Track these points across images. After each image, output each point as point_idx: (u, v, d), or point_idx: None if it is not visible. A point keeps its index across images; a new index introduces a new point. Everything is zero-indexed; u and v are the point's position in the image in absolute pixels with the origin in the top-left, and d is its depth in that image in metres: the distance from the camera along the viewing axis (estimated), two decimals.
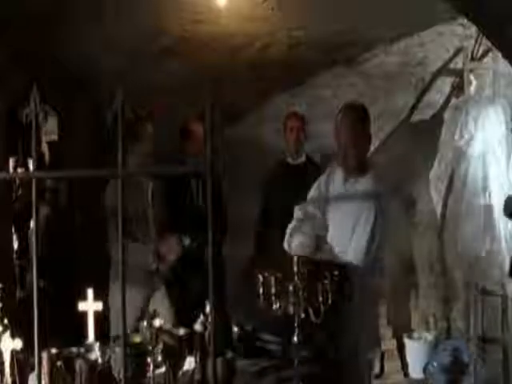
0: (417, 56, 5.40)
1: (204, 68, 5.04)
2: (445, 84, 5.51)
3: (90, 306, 2.62)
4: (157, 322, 2.42)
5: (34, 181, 1.61)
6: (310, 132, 5.19)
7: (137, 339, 2.34)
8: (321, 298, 2.32)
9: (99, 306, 2.60)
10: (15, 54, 4.48)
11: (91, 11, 4.46)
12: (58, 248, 4.89)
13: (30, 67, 4.56)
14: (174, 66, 5.12)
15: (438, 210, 5.56)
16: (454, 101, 5.50)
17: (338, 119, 3.48)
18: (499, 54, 5.06)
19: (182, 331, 2.48)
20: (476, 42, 5.29)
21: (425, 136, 5.56)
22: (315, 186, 3.57)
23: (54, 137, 5.29)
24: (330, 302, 2.34)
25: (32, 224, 4.96)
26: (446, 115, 5.52)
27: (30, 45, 4.48)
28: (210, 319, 2.27)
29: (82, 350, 2.44)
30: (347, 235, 3.29)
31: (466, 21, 5.12)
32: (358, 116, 3.56)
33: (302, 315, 2.36)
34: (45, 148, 5.32)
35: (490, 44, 5.17)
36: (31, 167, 4.74)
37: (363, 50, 5.39)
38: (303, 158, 5.11)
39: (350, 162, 3.40)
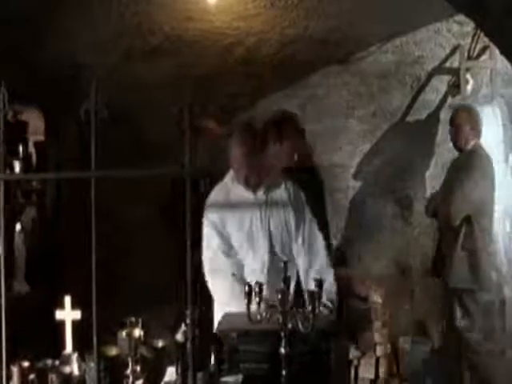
0: (412, 54, 5.34)
1: (194, 66, 4.97)
2: (441, 83, 5.43)
3: (67, 314, 2.50)
4: (136, 333, 2.30)
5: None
6: None
7: (112, 352, 2.22)
8: (310, 307, 2.21)
9: (77, 314, 2.48)
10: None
11: (80, 10, 4.38)
12: (44, 252, 4.78)
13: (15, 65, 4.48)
14: (164, 65, 5.02)
15: None
16: (450, 100, 5.41)
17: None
18: (497, 52, 4.99)
19: (160, 343, 2.37)
20: (473, 39, 5.23)
21: (421, 136, 5.48)
22: None
23: (41, 137, 5.19)
24: (318, 310, 2.23)
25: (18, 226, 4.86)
26: (443, 115, 5.43)
27: (17, 43, 4.39)
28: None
29: (57, 362, 2.32)
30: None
31: (462, 18, 5.07)
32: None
33: (290, 325, 2.25)
34: (31, 148, 5.20)
35: (487, 42, 5.11)
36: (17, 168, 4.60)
37: (357, 48, 5.31)
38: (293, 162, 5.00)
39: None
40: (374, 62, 5.34)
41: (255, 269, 3.27)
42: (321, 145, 5.52)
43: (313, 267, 3.31)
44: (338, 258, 5.13)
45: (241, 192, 3.37)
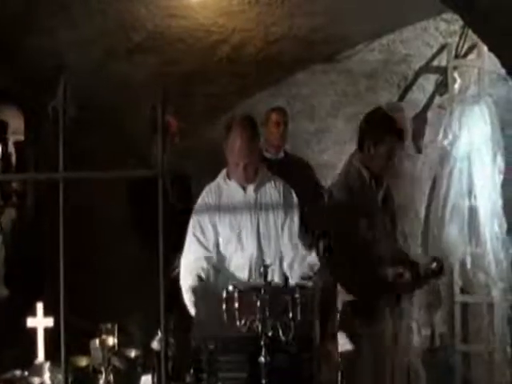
0: (399, 53, 5.27)
1: (177, 64, 4.89)
2: (428, 82, 5.37)
3: (39, 322, 2.40)
4: (110, 341, 2.21)
5: None
6: (289, 131, 5.01)
7: (82, 362, 2.12)
8: (291, 314, 2.12)
9: (50, 322, 2.38)
10: None
11: (61, 8, 4.30)
12: (24, 254, 4.67)
13: None
14: (147, 62, 4.93)
15: (422, 211, 5.40)
16: (437, 99, 5.35)
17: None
18: (484, 51, 4.94)
19: (133, 352, 2.27)
20: (460, 38, 5.17)
21: (408, 136, 5.35)
22: None
23: (20, 137, 5.09)
24: (299, 317, 2.14)
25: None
26: (430, 114, 5.37)
27: None
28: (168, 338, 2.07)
29: (27, 372, 2.22)
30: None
31: (450, 17, 5.02)
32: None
33: (270, 333, 2.16)
34: (11, 148, 5.10)
35: (474, 40, 5.06)
36: None
37: (344, 47, 5.23)
38: (282, 154, 4.94)
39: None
40: (361, 61, 5.28)
41: (241, 265, 3.29)
42: (307, 144, 5.45)
43: (298, 264, 3.31)
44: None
45: (232, 191, 3.40)
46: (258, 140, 3.48)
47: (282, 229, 3.38)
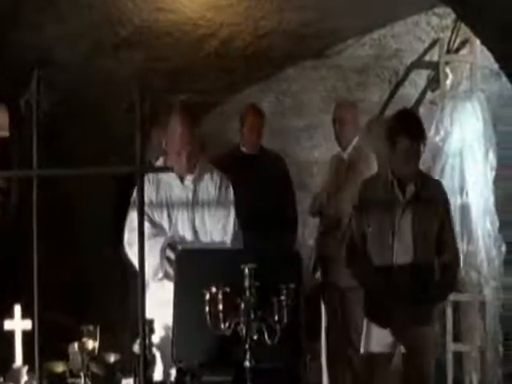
0: (390, 48, 5.23)
1: (165, 59, 4.82)
2: (420, 77, 5.32)
3: (17, 324, 2.31)
4: (90, 345, 2.13)
5: None
6: (278, 128, 4.96)
7: (58, 368, 2.04)
8: (276, 317, 2.04)
9: (28, 324, 2.29)
10: None
11: (46, 2, 4.22)
12: (4, 254, 4.57)
13: None
14: (134, 57, 4.85)
15: None
16: (429, 95, 5.31)
17: None
18: (476, 46, 4.88)
19: (113, 357, 2.19)
20: (452, 33, 5.12)
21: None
22: None
23: (5, 133, 4.98)
24: (286, 320, 2.07)
25: None
26: (421, 110, 5.29)
27: None
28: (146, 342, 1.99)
29: (3, 378, 2.13)
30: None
31: (442, 11, 4.96)
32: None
33: (255, 336, 2.08)
34: None
35: (467, 35, 5.01)
36: None
37: (334, 42, 5.17)
38: (257, 149, 4.92)
39: None
40: (351, 56, 5.22)
41: None
42: (297, 141, 5.38)
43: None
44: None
45: (170, 181, 3.30)
46: (197, 127, 3.38)
47: (218, 223, 3.30)
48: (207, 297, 2.13)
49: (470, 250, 4.90)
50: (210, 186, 3.35)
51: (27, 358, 2.35)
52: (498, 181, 4.91)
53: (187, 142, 3.21)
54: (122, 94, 4.77)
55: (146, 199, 3.19)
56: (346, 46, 5.18)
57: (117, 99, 4.85)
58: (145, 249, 3.02)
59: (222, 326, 2.13)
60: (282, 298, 2.09)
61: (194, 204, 3.28)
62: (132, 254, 3.17)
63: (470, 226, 4.90)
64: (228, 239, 3.27)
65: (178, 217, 3.27)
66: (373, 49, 5.17)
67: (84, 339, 2.20)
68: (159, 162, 3.39)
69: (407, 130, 3.43)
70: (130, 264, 3.13)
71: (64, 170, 1.68)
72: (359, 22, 4.89)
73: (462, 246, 4.91)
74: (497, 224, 4.90)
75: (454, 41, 5.12)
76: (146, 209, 3.18)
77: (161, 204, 3.29)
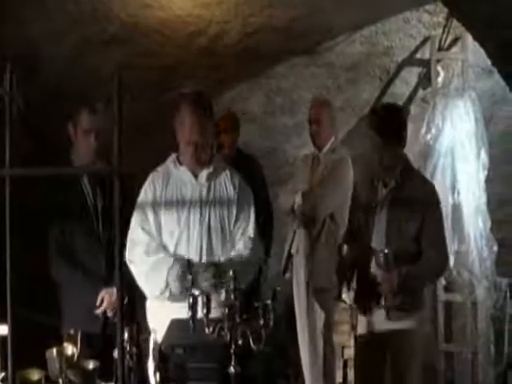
0: (381, 45, 5.14)
1: (153, 56, 4.74)
2: (411, 75, 5.26)
3: None
4: (69, 350, 2.05)
5: None
6: (268, 125, 4.90)
7: (34, 376, 1.96)
8: (262, 321, 1.98)
9: (4, 329, 2.20)
10: None
11: None
12: None
13: None
14: (121, 54, 4.78)
15: None
16: (420, 93, 5.27)
17: None
18: (468, 44, 4.84)
19: (91, 364, 2.12)
20: (444, 30, 5.07)
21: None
22: None
23: None
24: (271, 324, 2.00)
25: None
26: (413, 108, 5.29)
27: None
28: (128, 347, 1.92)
29: None
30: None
31: (433, 8, 4.90)
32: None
33: (240, 341, 2.02)
34: None
35: (458, 33, 4.96)
36: None
37: (324, 39, 5.07)
38: (234, 151, 4.94)
39: None
40: (342, 53, 5.14)
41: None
42: (287, 139, 5.32)
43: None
44: None
45: (182, 176, 3.13)
46: (211, 120, 3.16)
47: (235, 226, 3.13)
48: (190, 299, 2.06)
49: (462, 250, 4.86)
50: (228, 184, 3.17)
51: (3, 365, 2.28)
52: (489, 180, 4.88)
53: (198, 132, 3.04)
54: (109, 90, 4.71)
55: (151, 197, 3.08)
56: (336, 42, 5.09)
57: (103, 96, 4.78)
58: (149, 266, 2.94)
59: (206, 330, 2.06)
60: (268, 302, 2.02)
61: (208, 203, 3.08)
62: (135, 273, 3.04)
63: (461, 226, 4.86)
64: (248, 246, 3.11)
65: (189, 218, 3.05)
66: (363, 46, 5.09)
67: (64, 344, 2.13)
68: (170, 159, 3.21)
69: (376, 126, 3.40)
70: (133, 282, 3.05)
71: (38, 169, 1.60)
72: (350, 18, 4.80)
73: (453, 246, 4.88)
74: (489, 224, 4.86)
75: (446, 38, 5.07)
76: (150, 209, 3.07)
77: (170, 202, 3.08)
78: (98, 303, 3.26)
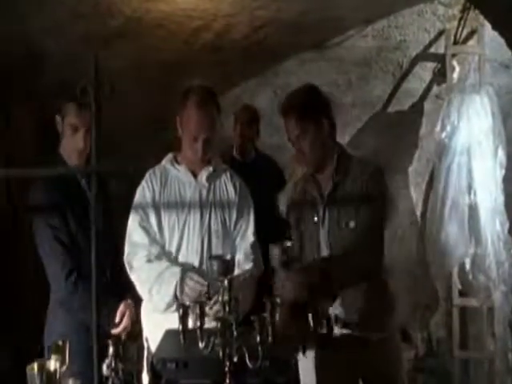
0: (394, 39, 5.02)
1: (157, 52, 4.63)
2: (425, 70, 5.10)
3: None
4: (51, 365, 1.90)
5: None
6: (275, 123, 4.74)
7: None
8: (258, 337, 1.81)
9: None
10: None
11: None
12: None
13: None
14: (124, 50, 4.67)
15: (418, 209, 5.16)
16: (435, 89, 5.09)
17: None
18: (485, 37, 4.66)
19: (71, 382, 1.96)
20: (459, 23, 4.92)
21: (403, 127, 5.15)
22: None
23: None
24: (270, 340, 1.83)
25: None
26: (427, 105, 5.11)
27: None
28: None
29: None
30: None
31: (448, 0, 4.75)
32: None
33: (235, 358, 1.85)
34: None
35: (474, 26, 4.82)
36: None
37: (334, 33, 4.95)
38: (252, 155, 4.77)
39: None
40: (353, 48, 5.03)
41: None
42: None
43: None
44: None
45: (181, 176, 3.01)
46: (219, 116, 3.04)
47: (235, 229, 3.02)
48: (180, 312, 1.90)
49: (479, 253, 4.70)
50: (228, 186, 3.07)
51: None
52: (507, 179, 4.71)
53: (205, 127, 2.92)
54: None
55: (150, 196, 2.96)
56: (346, 37, 4.98)
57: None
58: (154, 277, 2.78)
59: (200, 344, 1.90)
60: (265, 314, 1.85)
61: (208, 204, 2.97)
62: (135, 279, 2.92)
63: (478, 228, 4.70)
64: (249, 257, 3.01)
65: (189, 219, 2.94)
66: (375, 40, 4.97)
67: (44, 358, 1.98)
68: (167, 158, 3.08)
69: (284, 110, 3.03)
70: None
71: (20, 170, 1.48)
72: (361, 11, 4.67)
73: (469, 249, 4.72)
74: (507, 225, 4.69)
75: (462, 31, 4.90)
76: (150, 208, 2.94)
77: (169, 203, 2.96)
78: (117, 320, 2.93)
